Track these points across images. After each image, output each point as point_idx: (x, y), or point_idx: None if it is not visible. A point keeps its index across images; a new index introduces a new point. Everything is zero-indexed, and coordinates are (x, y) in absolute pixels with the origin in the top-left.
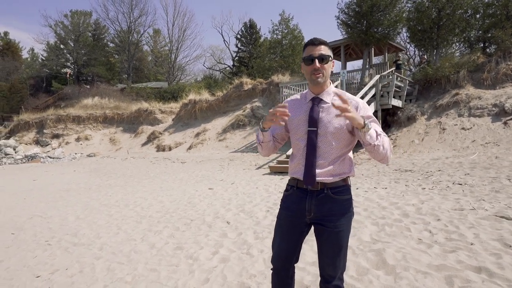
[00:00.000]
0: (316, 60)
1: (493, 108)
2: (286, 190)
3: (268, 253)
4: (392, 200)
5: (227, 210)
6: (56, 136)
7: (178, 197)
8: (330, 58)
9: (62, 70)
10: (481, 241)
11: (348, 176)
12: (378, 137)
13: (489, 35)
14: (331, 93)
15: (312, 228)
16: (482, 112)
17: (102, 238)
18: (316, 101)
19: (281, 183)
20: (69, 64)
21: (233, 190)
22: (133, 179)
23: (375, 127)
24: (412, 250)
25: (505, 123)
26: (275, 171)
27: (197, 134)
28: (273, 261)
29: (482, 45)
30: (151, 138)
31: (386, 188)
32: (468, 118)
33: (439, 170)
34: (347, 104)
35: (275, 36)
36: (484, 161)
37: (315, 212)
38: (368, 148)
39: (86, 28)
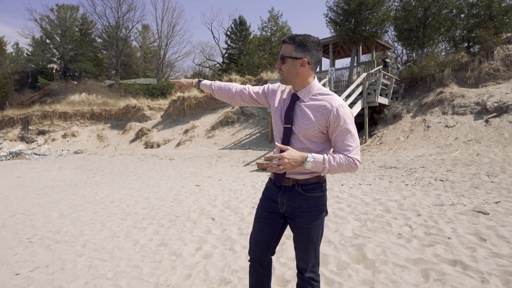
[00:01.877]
0: (279, 60)
1: (476, 106)
2: (267, 182)
3: None
4: (375, 196)
5: (213, 207)
6: (42, 133)
7: (164, 194)
8: (290, 58)
9: (48, 66)
10: (458, 235)
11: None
12: (325, 169)
13: (473, 34)
14: (311, 92)
15: None
16: (465, 110)
17: (86, 235)
18: (294, 98)
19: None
20: (55, 59)
21: (220, 186)
22: (120, 176)
23: (322, 157)
24: (391, 245)
25: (486, 121)
26: (262, 168)
27: (186, 131)
28: (249, 252)
29: (466, 44)
30: (139, 135)
31: (370, 184)
32: (451, 116)
33: (422, 167)
34: (277, 158)
35: (264, 33)
36: (465, 158)
37: (287, 206)
38: None
39: (72, 22)
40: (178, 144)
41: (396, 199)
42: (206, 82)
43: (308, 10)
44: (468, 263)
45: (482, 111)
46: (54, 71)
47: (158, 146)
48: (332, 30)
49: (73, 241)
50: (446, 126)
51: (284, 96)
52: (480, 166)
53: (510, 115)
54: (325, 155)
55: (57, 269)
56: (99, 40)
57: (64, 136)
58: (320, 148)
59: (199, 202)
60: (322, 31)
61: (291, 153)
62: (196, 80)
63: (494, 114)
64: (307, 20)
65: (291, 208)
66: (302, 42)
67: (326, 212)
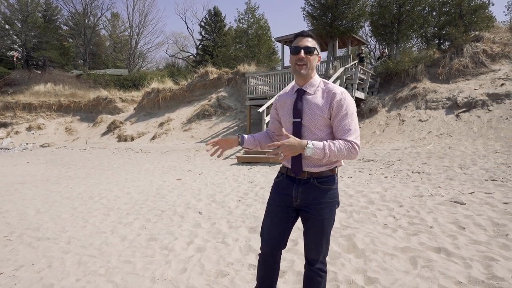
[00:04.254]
0: (302, 51)
1: (447, 101)
2: (277, 177)
3: (243, 241)
4: (357, 188)
5: (198, 201)
6: (4, 125)
7: (145, 188)
8: (316, 52)
9: (8, 53)
10: (439, 225)
11: (336, 166)
12: (325, 155)
13: (444, 32)
14: (315, 85)
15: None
16: (437, 105)
17: (69, 232)
18: (301, 92)
19: (249, 173)
20: (16, 46)
21: (202, 180)
22: (95, 170)
23: (322, 144)
24: (379, 235)
25: (457, 115)
26: (242, 161)
27: (161, 124)
28: (262, 247)
29: (437, 41)
30: (112, 127)
31: (351, 177)
32: (424, 110)
33: (399, 160)
34: (280, 145)
35: (240, 25)
36: (439, 151)
37: (301, 199)
38: None
39: (35, 7)
40: (153, 138)
41: (377, 191)
42: (248, 138)
43: (285, 3)
44: (451, 250)
45: (453, 106)
46: (15, 59)
47: (132, 139)
48: (309, 24)
49: (56, 238)
50: (420, 120)
51: (289, 94)
52: (452, 159)
53: (478, 110)
54: (324, 142)
55: (44, 267)
56: (65, 27)
57: (29, 128)
58: (331, 137)
59: (183, 196)
60: (299, 25)
61: (291, 140)
62: (236, 137)
63: (464, 109)
64: (284, 13)
65: (306, 201)
66: (317, 40)
67: (338, 204)
